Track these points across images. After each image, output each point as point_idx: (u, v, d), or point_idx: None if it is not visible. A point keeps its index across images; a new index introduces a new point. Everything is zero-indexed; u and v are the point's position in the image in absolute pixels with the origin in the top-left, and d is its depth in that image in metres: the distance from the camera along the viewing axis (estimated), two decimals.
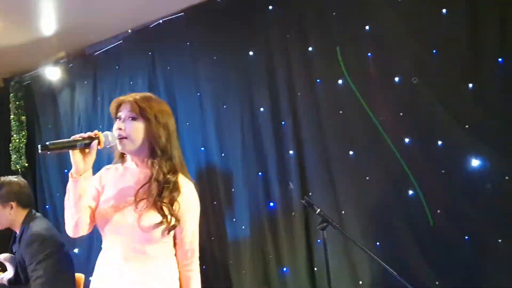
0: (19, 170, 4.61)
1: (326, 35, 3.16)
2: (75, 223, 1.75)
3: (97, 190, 1.81)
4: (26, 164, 4.69)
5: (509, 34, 2.62)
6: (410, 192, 2.88)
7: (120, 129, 1.70)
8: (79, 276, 3.08)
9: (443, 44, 2.81)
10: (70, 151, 1.64)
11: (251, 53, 3.49)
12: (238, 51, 3.54)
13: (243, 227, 3.45)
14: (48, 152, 1.61)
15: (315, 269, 3.17)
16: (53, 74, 4.50)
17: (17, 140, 4.69)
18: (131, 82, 4.09)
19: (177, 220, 1.69)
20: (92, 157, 1.67)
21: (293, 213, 3.25)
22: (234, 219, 3.51)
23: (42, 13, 3.83)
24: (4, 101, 4.93)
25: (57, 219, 4.32)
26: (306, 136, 3.22)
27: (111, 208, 1.73)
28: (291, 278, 3.24)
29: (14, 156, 4.66)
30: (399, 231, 2.92)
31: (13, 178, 2.97)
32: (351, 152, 3.07)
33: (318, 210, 2.71)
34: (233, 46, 3.56)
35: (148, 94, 1.78)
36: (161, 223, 1.66)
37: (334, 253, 2.96)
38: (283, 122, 3.32)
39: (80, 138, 1.65)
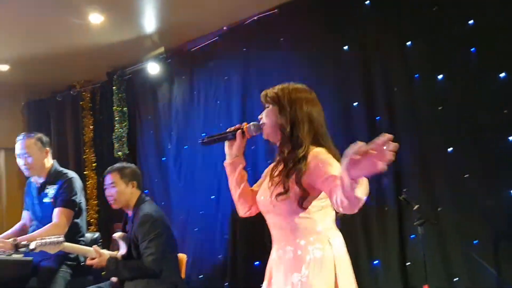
0: (121, 157, 4.98)
1: (425, 30, 3.14)
2: (236, 204, 1.99)
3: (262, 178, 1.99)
4: (127, 152, 5.06)
5: None
6: None
7: (261, 118, 1.88)
8: (182, 256, 3.31)
9: None
10: (226, 142, 1.91)
11: (345, 47, 3.53)
12: (332, 46, 3.60)
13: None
14: (206, 145, 1.92)
15: (408, 263, 3.18)
16: (153, 68, 4.78)
17: (120, 130, 5.07)
18: (226, 78, 4.28)
19: (302, 189, 1.70)
20: (236, 145, 1.91)
21: (386, 208, 3.27)
22: None
23: (144, 11, 4.09)
24: (108, 93, 5.34)
25: (155, 203, 4.62)
26: (402, 131, 3.22)
27: (260, 192, 1.90)
28: (382, 271, 3.27)
29: (117, 144, 5.05)
30: (499, 230, 2.86)
31: (127, 163, 3.28)
32: (450, 149, 3.04)
33: (416, 206, 2.73)
34: (327, 41, 3.63)
35: (290, 84, 1.86)
36: (281, 194, 1.74)
37: (428, 248, 2.95)
38: (377, 117, 3.35)
39: (229, 131, 1.90)
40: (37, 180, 3.39)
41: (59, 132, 5.89)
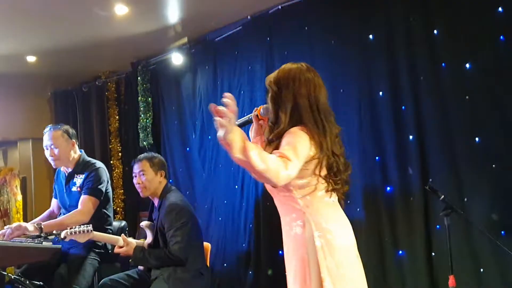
0: (146, 146, 5.05)
1: (453, 17, 3.08)
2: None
3: None
4: (152, 142, 5.12)
5: None
6: None
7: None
8: (206, 245, 3.36)
9: None
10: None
11: (371, 36, 3.50)
12: (357, 35, 3.56)
13: (358, 209, 3.51)
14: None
15: (433, 254, 3.16)
16: (176, 59, 4.81)
17: (145, 120, 5.13)
18: (249, 67, 4.28)
19: None
20: (254, 127, 2.07)
21: (411, 198, 3.25)
22: (348, 201, 3.58)
23: (167, 1, 4.10)
24: (132, 84, 5.40)
25: (180, 192, 4.68)
26: (428, 121, 3.19)
27: None
28: (407, 261, 3.26)
29: (142, 134, 5.12)
30: None
31: (154, 153, 3.35)
32: (477, 139, 2.99)
33: (442, 196, 2.71)
34: (352, 30, 3.59)
35: (287, 64, 1.95)
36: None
37: (455, 239, 2.93)
38: (403, 107, 3.31)
39: (251, 115, 2.03)
40: (65, 169, 3.48)
41: (85, 122, 6.00)
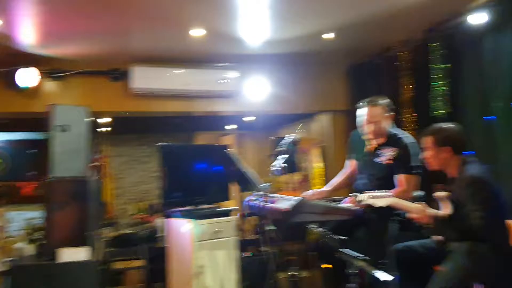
0: (441, 116, 4.83)
1: None
2: None
3: None
4: (448, 111, 4.85)
5: None
6: None
7: None
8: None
9: None
10: None
11: None
12: None
13: None
14: None
15: None
16: (476, 19, 4.38)
17: (438, 88, 4.90)
18: None
19: None
20: None
21: None
22: None
23: None
24: (425, 51, 5.20)
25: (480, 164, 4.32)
26: None
27: None
28: None
29: (435, 103, 4.91)
30: None
31: (449, 124, 3.20)
32: None
33: None
34: None
35: None
36: None
37: None
38: None
39: None
40: (375, 141, 3.66)
41: (377, 94, 6.11)
